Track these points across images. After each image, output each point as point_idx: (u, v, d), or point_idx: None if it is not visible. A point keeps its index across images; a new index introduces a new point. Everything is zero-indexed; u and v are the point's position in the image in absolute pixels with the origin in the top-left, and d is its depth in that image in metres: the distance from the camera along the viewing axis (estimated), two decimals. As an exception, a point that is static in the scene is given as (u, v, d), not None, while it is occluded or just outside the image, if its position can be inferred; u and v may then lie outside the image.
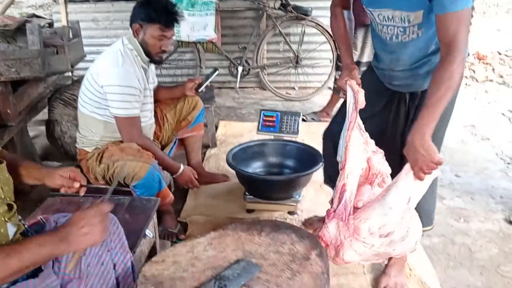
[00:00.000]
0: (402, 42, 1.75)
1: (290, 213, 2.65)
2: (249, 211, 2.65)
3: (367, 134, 1.78)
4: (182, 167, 2.52)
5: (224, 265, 1.46)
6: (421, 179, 1.57)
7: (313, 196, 2.85)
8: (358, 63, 3.59)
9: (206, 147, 3.55)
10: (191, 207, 2.74)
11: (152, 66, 2.52)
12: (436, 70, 1.57)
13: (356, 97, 1.75)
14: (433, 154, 1.52)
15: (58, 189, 1.50)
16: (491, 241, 2.43)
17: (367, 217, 1.67)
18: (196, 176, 2.60)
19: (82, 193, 1.52)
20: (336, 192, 1.74)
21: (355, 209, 1.70)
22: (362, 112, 1.77)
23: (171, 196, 2.37)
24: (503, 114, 4.48)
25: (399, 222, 1.66)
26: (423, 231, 1.85)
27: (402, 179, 1.62)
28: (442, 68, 1.54)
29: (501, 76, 5.68)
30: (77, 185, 1.48)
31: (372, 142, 1.78)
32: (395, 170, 1.68)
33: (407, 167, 1.60)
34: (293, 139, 2.89)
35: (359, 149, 1.75)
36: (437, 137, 1.75)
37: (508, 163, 3.37)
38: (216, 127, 3.93)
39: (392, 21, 1.70)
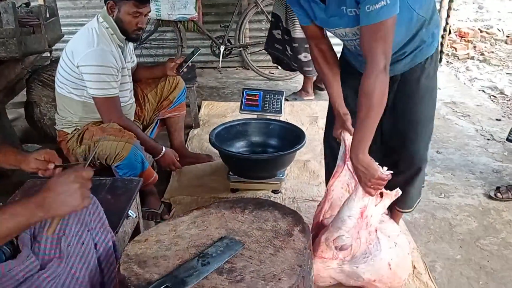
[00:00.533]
0: None
1: (274, 191, 2.66)
2: (233, 190, 2.65)
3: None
4: (164, 149, 2.50)
5: (207, 243, 1.46)
6: (370, 194, 1.68)
7: (296, 174, 2.86)
8: None
9: (189, 127, 3.53)
10: (175, 187, 2.73)
11: (130, 44, 2.47)
12: (360, 84, 1.56)
13: (347, 151, 1.78)
14: (372, 171, 1.61)
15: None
16: (470, 216, 2.48)
17: (324, 230, 1.79)
18: (178, 159, 2.59)
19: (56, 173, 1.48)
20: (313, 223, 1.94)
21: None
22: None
23: (155, 176, 2.36)
24: (483, 91, 4.54)
25: (356, 236, 1.74)
26: (403, 212, 2.01)
27: (354, 192, 1.73)
28: (362, 82, 1.54)
29: (482, 54, 5.73)
30: (51, 166, 1.42)
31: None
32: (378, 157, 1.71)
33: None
34: (277, 118, 2.89)
35: (342, 191, 1.89)
36: (428, 117, 1.83)
37: (488, 139, 3.42)
38: (199, 108, 3.90)
39: (347, 36, 1.69)
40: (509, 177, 2.84)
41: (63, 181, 1.14)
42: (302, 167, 2.93)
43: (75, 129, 2.32)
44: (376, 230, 1.78)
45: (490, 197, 2.61)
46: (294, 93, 4.27)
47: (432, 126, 1.89)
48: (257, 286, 1.28)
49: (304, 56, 3.84)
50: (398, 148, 1.87)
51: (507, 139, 2.67)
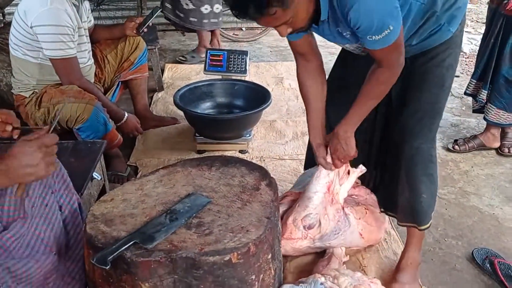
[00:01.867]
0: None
1: (242, 151, 2.67)
2: (200, 152, 2.65)
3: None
4: (126, 114, 2.45)
5: (174, 200, 1.46)
6: (336, 166, 1.71)
7: (263, 134, 2.88)
8: None
9: (152, 91, 3.45)
10: (141, 150, 2.70)
11: (86, 3, 2.36)
12: (372, 71, 1.50)
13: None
14: (351, 150, 1.64)
15: None
16: (430, 168, 2.57)
17: (291, 211, 1.78)
18: (139, 125, 2.55)
19: (15, 136, 1.43)
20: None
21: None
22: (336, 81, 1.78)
23: (119, 138, 2.31)
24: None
25: (324, 213, 1.75)
26: (420, 229, 1.70)
27: (319, 170, 1.74)
28: (378, 72, 1.48)
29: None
30: (9, 128, 1.35)
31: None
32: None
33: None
34: (242, 79, 2.87)
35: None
36: (436, 108, 1.63)
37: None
38: (162, 71, 3.81)
39: (350, 48, 1.61)
40: (466, 130, 2.94)
41: (27, 150, 1.11)
42: (268, 127, 2.94)
43: (32, 93, 2.23)
44: (343, 208, 1.79)
45: (448, 150, 2.71)
46: (192, 50, 4.18)
47: (439, 121, 1.66)
48: (225, 239, 1.30)
49: (205, 8, 3.78)
50: (399, 143, 1.64)
51: (465, 93, 2.75)
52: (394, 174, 1.70)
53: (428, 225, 1.71)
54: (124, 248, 1.21)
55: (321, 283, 1.52)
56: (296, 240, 1.76)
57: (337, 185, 1.76)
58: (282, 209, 1.82)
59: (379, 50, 1.40)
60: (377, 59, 1.46)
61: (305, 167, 2.05)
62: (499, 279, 1.77)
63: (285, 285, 1.55)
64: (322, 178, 1.74)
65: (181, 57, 4.10)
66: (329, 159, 1.70)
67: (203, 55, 3.56)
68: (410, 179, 1.64)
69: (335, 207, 1.77)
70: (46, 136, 1.16)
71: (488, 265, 1.83)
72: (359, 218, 1.81)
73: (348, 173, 1.77)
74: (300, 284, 1.55)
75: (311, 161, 1.92)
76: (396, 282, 1.72)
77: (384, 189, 1.83)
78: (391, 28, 1.33)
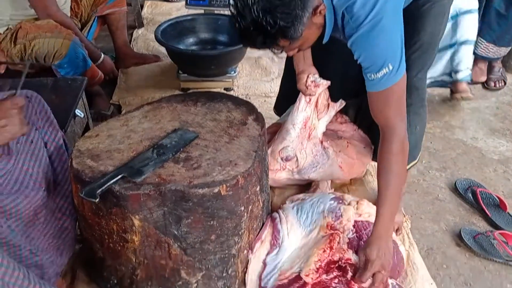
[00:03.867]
0: None
1: (227, 89, 2.62)
2: (184, 90, 2.59)
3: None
4: (102, 55, 2.38)
5: (161, 135, 1.44)
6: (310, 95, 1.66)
7: (248, 71, 2.82)
8: None
9: (132, 27, 3.32)
10: (123, 89, 2.63)
11: None
12: (378, 158, 1.40)
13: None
14: (390, 259, 1.40)
15: None
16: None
17: (270, 144, 1.77)
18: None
19: (2, 71, 1.39)
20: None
21: None
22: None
23: (100, 75, 2.25)
24: None
25: (300, 147, 1.74)
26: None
27: (298, 103, 1.71)
28: (381, 155, 1.38)
29: None
30: None
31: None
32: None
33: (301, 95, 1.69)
34: (225, 13, 2.77)
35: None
36: (432, 43, 1.56)
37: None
38: (142, 7, 3.65)
39: None
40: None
41: (2, 110, 1.13)
42: (253, 64, 2.88)
43: (7, 29, 2.12)
44: (322, 142, 1.78)
45: (434, 84, 2.70)
46: None
47: (433, 56, 1.61)
48: (214, 172, 1.30)
49: None
50: None
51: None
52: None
53: (415, 161, 1.71)
54: (112, 181, 1.20)
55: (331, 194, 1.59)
56: (275, 171, 1.78)
57: (315, 119, 1.75)
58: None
59: (376, 96, 1.33)
60: (377, 117, 1.38)
61: (275, 107, 2.04)
62: (480, 208, 1.83)
63: (288, 204, 1.63)
64: (300, 111, 1.73)
65: None
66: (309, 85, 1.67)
67: None
68: (411, 110, 1.56)
69: (313, 141, 1.77)
70: (15, 98, 1.18)
71: (470, 195, 1.88)
72: (339, 151, 1.81)
73: (328, 107, 1.76)
74: (306, 196, 1.65)
75: (280, 104, 1.96)
76: None
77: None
78: (391, 67, 1.27)
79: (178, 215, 1.26)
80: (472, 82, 2.67)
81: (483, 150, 2.20)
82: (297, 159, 1.76)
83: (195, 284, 1.41)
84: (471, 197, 1.87)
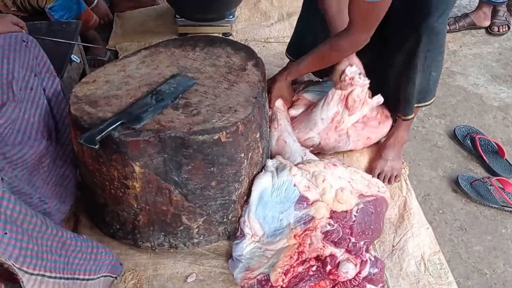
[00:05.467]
0: None
1: (225, 34, 2.56)
2: (182, 35, 2.52)
3: None
4: None
5: (159, 81, 1.42)
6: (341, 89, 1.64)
7: (247, 16, 2.74)
8: None
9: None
10: (119, 34, 2.56)
11: None
12: (328, 39, 1.54)
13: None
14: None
15: None
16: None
17: (296, 126, 1.75)
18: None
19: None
20: None
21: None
22: None
23: (95, 18, 2.18)
24: None
25: (325, 137, 1.73)
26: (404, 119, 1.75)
27: (331, 96, 1.67)
28: (337, 38, 1.51)
29: None
30: None
31: None
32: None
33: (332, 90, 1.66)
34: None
35: None
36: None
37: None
38: None
39: None
40: (458, 9, 2.84)
41: None
42: (252, 8, 2.79)
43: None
44: (347, 132, 1.74)
45: (438, 30, 2.64)
46: None
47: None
48: (213, 118, 1.29)
49: None
50: (417, 22, 1.53)
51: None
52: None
53: (428, 103, 1.76)
54: (111, 128, 1.19)
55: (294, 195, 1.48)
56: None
57: (345, 115, 1.70)
58: (294, 112, 1.79)
59: (356, 4, 1.35)
60: (351, 19, 1.42)
61: (288, 51, 1.98)
62: (478, 154, 1.84)
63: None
64: (332, 107, 1.68)
65: None
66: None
67: None
68: (428, 56, 1.60)
69: (338, 133, 1.74)
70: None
71: (468, 141, 1.89)
72: (358, 140, 1.79)
73: (363, 104, 1.68)
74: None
75: (294, 46, 1.90)
76: (381, 159, 1.77)
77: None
78: None
79: (178, 161, 1.26)
80: (476, 27, 2.61)
81: (484, 97, 2.18)
82: (320, 145, 1.75)
83: (196, 229, 1.44)
84: (470, 144, 1.88)
